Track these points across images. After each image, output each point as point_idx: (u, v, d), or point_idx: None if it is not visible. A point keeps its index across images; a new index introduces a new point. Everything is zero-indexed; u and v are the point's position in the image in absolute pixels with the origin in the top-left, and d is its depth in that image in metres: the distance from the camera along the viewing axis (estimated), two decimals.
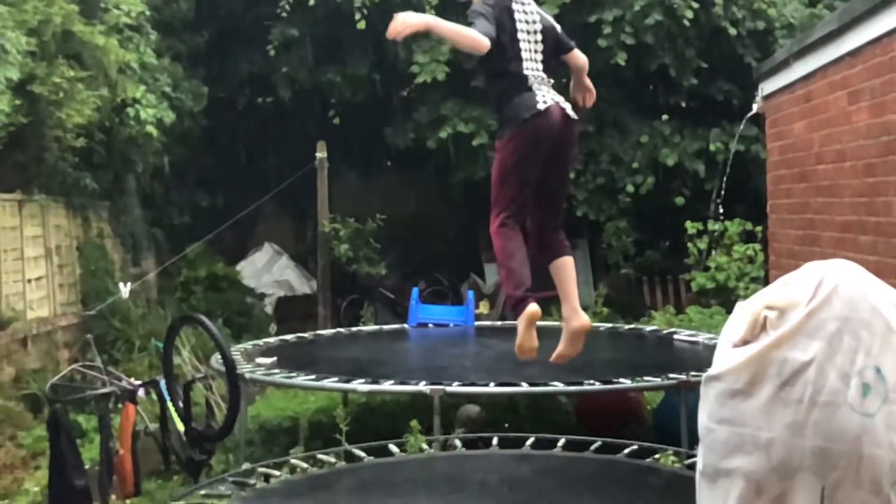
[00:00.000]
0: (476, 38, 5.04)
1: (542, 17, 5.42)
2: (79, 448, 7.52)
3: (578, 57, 5.58)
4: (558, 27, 5.58)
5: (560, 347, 5.31)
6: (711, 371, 3.70)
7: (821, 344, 3.44)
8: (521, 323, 5.19)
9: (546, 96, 5.21)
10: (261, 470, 6.83)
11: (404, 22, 5.01)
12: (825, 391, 3.40)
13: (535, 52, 5.33)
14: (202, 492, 6.48)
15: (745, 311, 3.70)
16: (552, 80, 5.37)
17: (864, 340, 3.44)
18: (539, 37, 5.33)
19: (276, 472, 6.74)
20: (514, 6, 5.28)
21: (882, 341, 3.45)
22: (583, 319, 5.26)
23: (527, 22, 5.31)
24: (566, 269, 5.35)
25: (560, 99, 5.28)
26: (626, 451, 6.99)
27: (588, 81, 5.72)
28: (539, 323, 5.21)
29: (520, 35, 5.26)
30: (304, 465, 6.96)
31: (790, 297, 3.58)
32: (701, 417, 3.74)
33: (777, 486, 3.44)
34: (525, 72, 5.25)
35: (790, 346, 3.48)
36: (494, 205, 5.29)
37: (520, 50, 5.25)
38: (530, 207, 5.37)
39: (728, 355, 3.67)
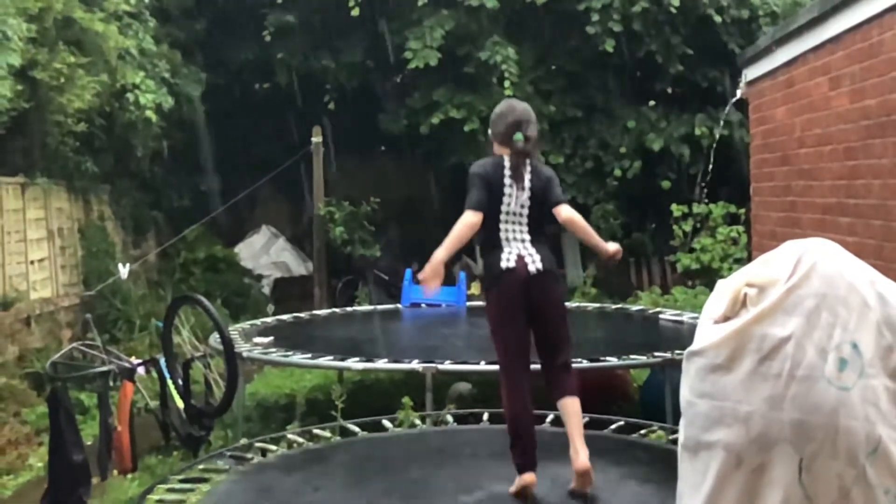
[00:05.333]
0: (465, 224, 5.19)
1: (534, 172, 5.39)
2: (78, 425, 7.62)
3: (561, 213, 5.41)
4: (555, 180, 5.51)
5: (573, 484, 5.38)
6: (693, 346, 3.80)
7: (799, 320, 3.53)
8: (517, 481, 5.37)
9: (511, 254, 5.26)
10: (258, 445, 7.00)
11: (429, 279, 5.23)
12: (803, 366, 3.49)
13: (519, 208, 5.33)
14: (201, 466, 6.63)
15: (725, 289, 3.81)
16: (530, 236, 5.32)
17: (841, 316, 3.52)
18: (528, 193, 5.33)
19: (273, 447, 6.91)
20: (506, 164, 5.33)
21: (859, 317, 3.54)
22: (580, 462, 5.28)
23: (515, 181, 5.32)
24: (568, 410, 5.38)
25: (532, 255, 5.29)
26: (613, 426, 7.21)
27: (601, 243, 5.57)
28: None
29: (505, 193, 5.30)
30: (301, 439, 7.15)
31: (770, 274, 3.69)
32: (683, 392, 3.85)
33: (756, 457, 3.54)
34: (501, 232, 5.31)
35: (769, 322, 3.57)
36: (496, 353, 5.42)
37: (500, 209, 5.31)
38: (537, 350, 5.44)
39: (709, 331, 3.77)
